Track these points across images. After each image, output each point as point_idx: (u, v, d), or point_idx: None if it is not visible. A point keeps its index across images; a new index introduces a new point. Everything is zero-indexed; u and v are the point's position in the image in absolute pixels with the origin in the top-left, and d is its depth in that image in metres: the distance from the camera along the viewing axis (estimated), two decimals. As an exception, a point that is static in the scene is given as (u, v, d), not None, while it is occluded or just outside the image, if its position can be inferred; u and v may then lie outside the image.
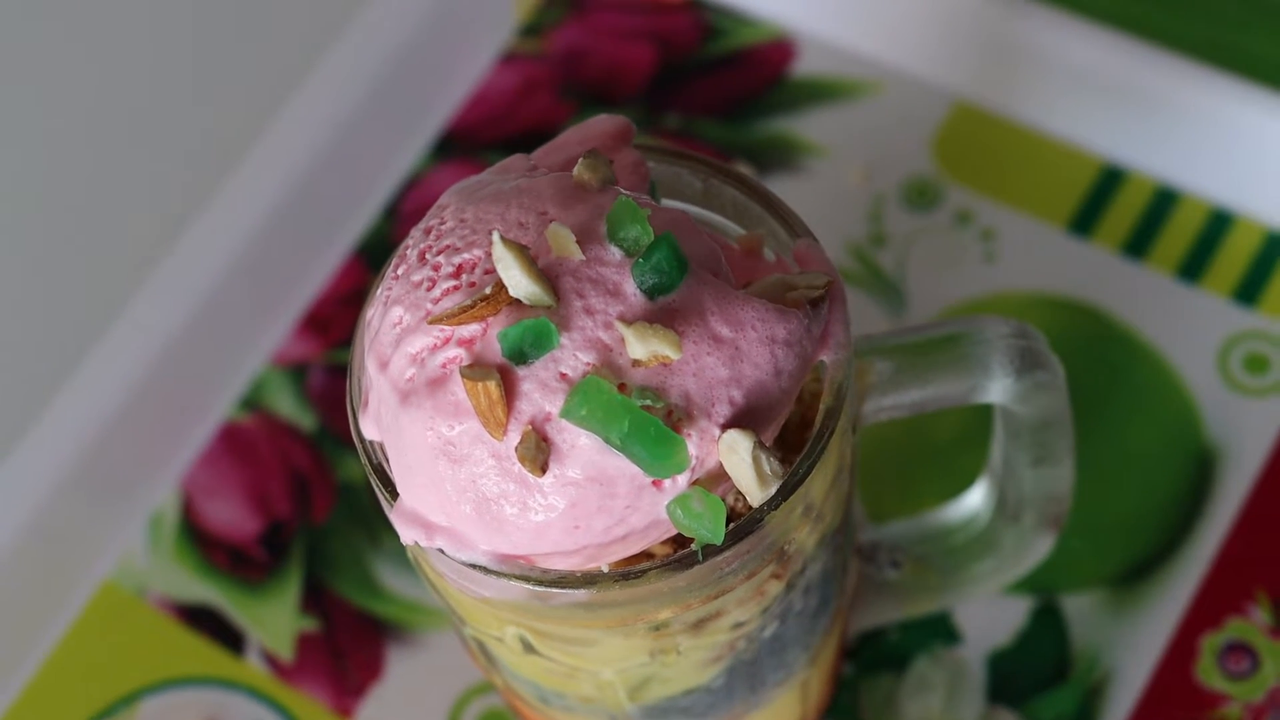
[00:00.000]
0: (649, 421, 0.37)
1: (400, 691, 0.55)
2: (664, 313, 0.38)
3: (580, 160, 0.40)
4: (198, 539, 0.58)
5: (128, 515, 0.58)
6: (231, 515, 0.58)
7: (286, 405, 0.60)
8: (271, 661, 0.56)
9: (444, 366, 0.38)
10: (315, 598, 0.57)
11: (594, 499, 0.38)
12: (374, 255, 0.62)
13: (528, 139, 0.63)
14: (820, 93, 0.63)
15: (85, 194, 0.66)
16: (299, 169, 0.61)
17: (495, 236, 0.37)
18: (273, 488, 0.58)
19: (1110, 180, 0.60)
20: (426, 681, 0.55)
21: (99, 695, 0.56)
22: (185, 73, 0.68)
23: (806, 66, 0.63)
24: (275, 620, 0.57)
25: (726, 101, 0.63)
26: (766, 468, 0.38)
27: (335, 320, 0.61)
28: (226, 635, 0.56)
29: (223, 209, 0.60)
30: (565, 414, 0.37)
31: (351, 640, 0.56)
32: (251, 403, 0.60)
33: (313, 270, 0.61)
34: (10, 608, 0.56)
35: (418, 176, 0.63)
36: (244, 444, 0.59)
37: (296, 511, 0.58)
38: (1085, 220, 0.60)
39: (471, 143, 0.63)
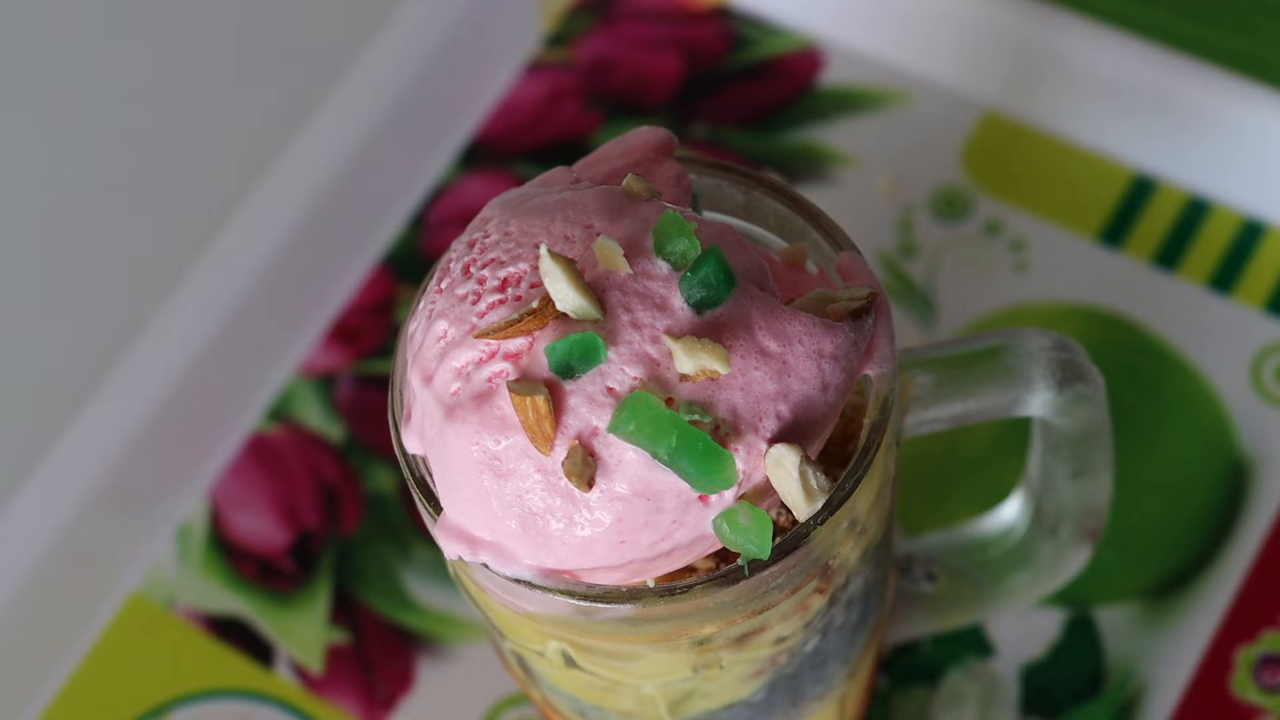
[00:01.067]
0: (697, 437, 0.37)
1: (430, 703, 0.55)
2: (711, 327, 0.38)
3: (630, 176, 0.40)
4: (226, 550, 0.58)
5: (156, 527, 0.58)
6: (260, 526, 0.58)
7: (314, 416, 0.59)
8: (301, 673, 0.56)
9: (490, 381, 0.38)
10: (344, 609, 0.57)
11: (640, 514, 0.38)
12: (401, 265, 0.62)
13: (555, 149, 0.63)
14: (848, 102, 0.63)
15: (113, 206, 0.66)
16: (326, 179, 0.61)
17: (543, 249, 0.37)
18: (301, 499, 0.58)
19: (1141, 190, 0.60)
20: (457, 693, 0.55)
21: (128, 707, 0.56)
22: (212, 85, 0.68)
23: (835, 76, 0.63)
24: (304, 632, 0.56)
25: (754, 111, 0.63)
26: (813, 482, 0.38)
27: (363, 331, 0.61)
28: (256, 647, 0.56)
29: (250, 220, 0.60)
30: (613, 429, 0.37)
31: (381, 652, 0.56)
32: (279, 413, 0.59)
33: (340, 280, 0.61)
34: (40, 619, 0.56)
35: (445, 186, 0.63)
36: (272, 455, 0.59)
37: (325, 523, 0.58)
38: (1116, 231, 0.60)
39: (498, 152, 0.63)
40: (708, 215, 0.43)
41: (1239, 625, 0.54)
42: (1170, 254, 0.59)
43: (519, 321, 0.37)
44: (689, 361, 0.37)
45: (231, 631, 0.57)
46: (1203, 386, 0.57)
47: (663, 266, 0.38)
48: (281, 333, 0.60)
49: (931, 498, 0.56)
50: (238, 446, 0.59)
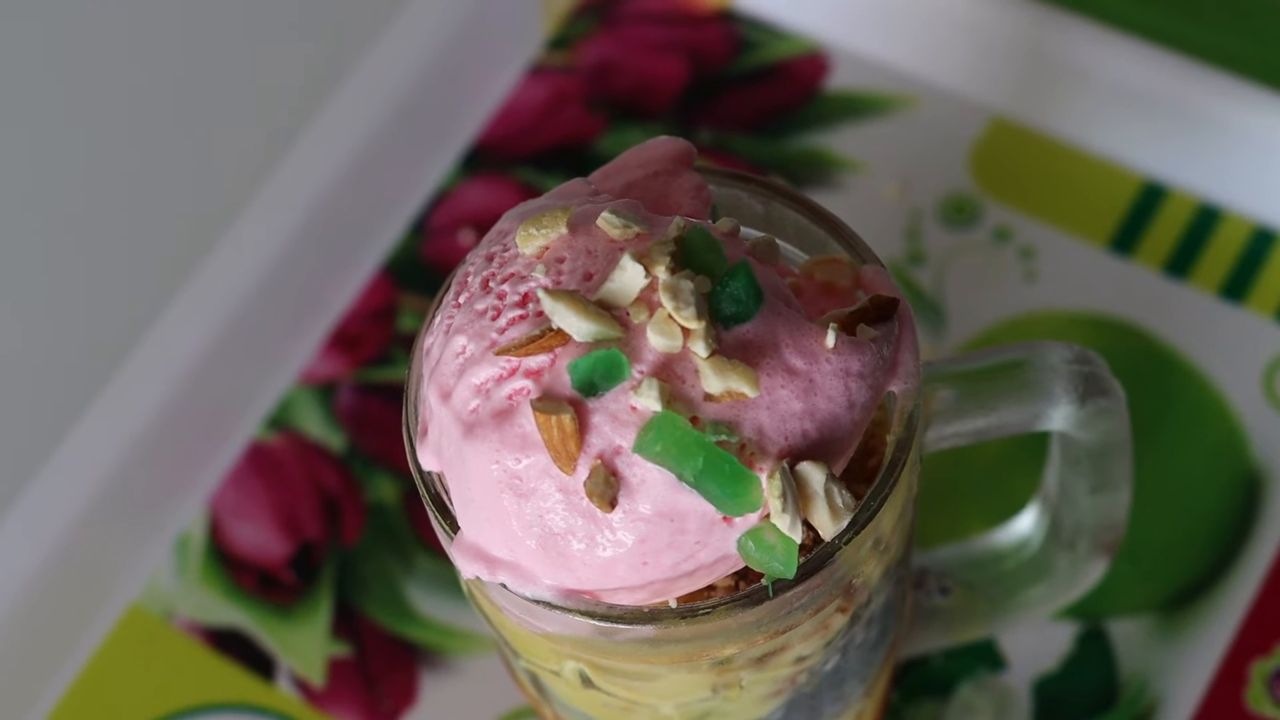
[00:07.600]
0: (724, 459, 0.36)
1: (434, 717, 0.54)
2: (739, 343, 0.37)
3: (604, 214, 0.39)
4: (225, 561, 0.57)
5: (154, 537, 0.57)
6: (260, 537, 0.57)
7: (315, 425, 0.59)
8: (302, 687, 0.55)
9: (510, 398, 0.37)
10: (346, 621, 0.56)
11: (664, 535, 0.37)
12: (402, 271, 0.61)
13: (557, 153, 0.62)
14: (855, 107, 0.62)
15: (111, 212, 0.65)
16: (327, 184, 0.60)
17: (540, 293, 0.36)
18: (302, 509, 0.57)
19: (1151, 198, 0.60)
20: (461, 707, 0.54)
21: (126, 721, 0.55)
22: (212, 90, 0.67)
23: (841, 80, 0.63)
24: (306, 644, 0.55)
25: (760, 116, 0.62)
26: (839, 501, 0.37)
27: (364, 338, 0.60)
28: (256, 660, 0.55)
29: (249, 226, 0.59)
30: (639, 449, 0.36)
31: (384, 665, 0.55)
32: (279, 422, 0.59)
33: (340, 287, 0.60)
34: (36, 630, 0.55)
35: (446, 191, 0.62)
36: (272, 464, 0.58)
37: (326, 533, 0.57)
38: (1126, 238, 0.59)
39: (500, 157, 0.62)
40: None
41: (1253, 638, 0.53)
42: (1181, 262, 0.59)
43: (540, 338, 0.37)
44: (717, 382, 0.36)
45: (231, 644, 0.56)
46: (1214, 396, 0.57)
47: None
48: (281, 340, 0.59)
49: (944, 510, 0.55)
50: (237, 455, 0.58)
